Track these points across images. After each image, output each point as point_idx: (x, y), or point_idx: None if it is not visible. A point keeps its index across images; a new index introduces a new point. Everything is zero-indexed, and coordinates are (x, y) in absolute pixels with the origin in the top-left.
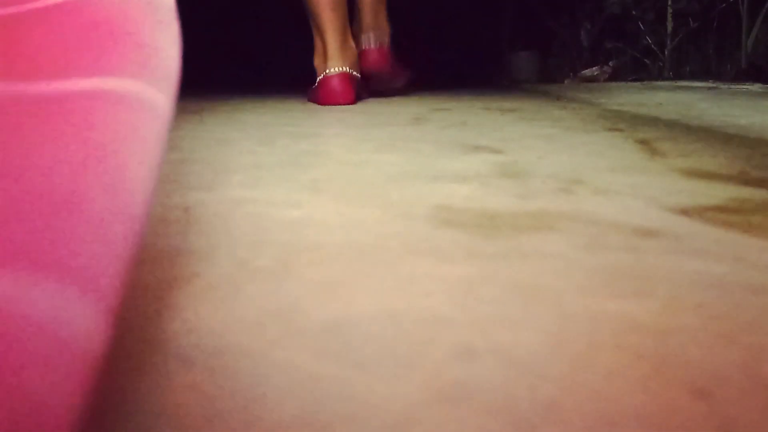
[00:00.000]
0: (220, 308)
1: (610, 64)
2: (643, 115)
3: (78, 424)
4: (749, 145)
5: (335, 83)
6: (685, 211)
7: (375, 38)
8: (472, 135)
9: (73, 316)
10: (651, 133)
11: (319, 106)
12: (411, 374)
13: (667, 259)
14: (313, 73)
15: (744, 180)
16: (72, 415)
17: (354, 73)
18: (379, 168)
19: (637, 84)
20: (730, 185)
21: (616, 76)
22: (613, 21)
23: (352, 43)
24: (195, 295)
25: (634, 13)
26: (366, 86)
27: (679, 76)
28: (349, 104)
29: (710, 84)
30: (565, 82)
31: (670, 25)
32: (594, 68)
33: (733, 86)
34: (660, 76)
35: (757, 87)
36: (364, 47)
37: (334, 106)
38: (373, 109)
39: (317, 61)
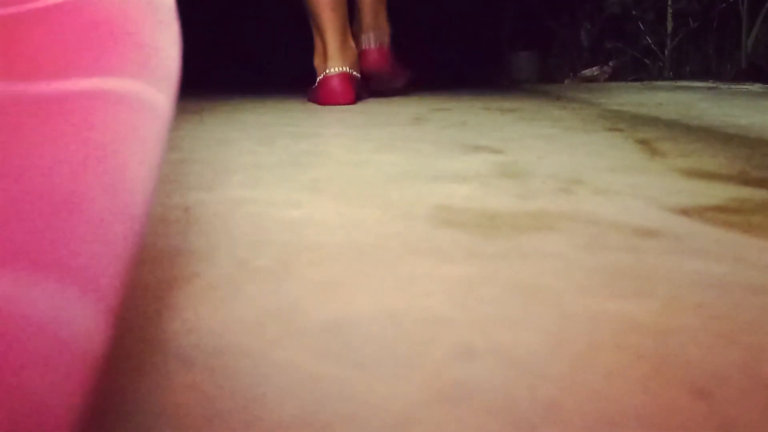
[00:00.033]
0: (220, 308)
1: (610, 64)
2: (643, 115)
3: (78, 424)
4: (749, 145)
5: (335, 83)
6: (685, 211)
7: (375, 38)
8: (472, 135)
9: (73, 316)
10: (651, 133)
11: (319, 106)
12: (411, 374)
13: (667, 259)
14: (313, 73)
15: (744, 180)
16: (72, 415)
17: (354, 73)
18: (379, 168)
19: (637, 84)
20: (730, 185)
21: (616, 76)
22: (613, 21)
23: (352, 43)
24: (195, 295)
25: (634, 13)
26: (366, 86)
27: (679, 76)
28: (349, 104)
29: (710, 84)
30: (565, 82)
31: (670, 25)
32: (594, 68)
33: (733, 86)
34: (660, 76)
35: (757, 87)
36: (364, 47)
37: (334, 106)
38: (373, 109)
39: (317, 61)
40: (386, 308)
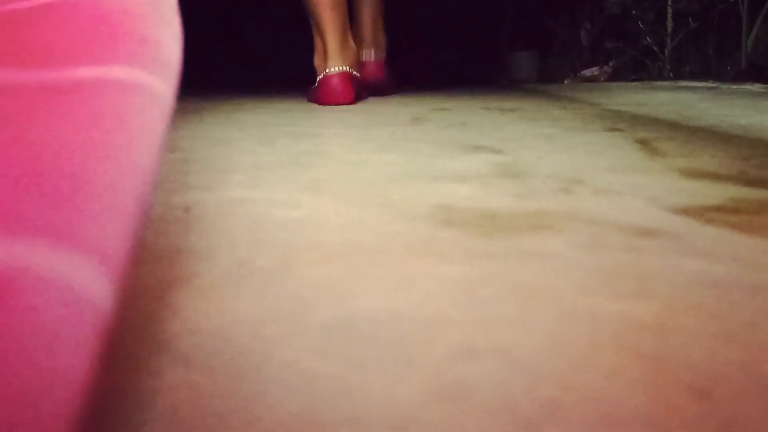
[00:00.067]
0: (220, 308)
1: (610, 64)
2: (643, 115)
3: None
4: (749, 145)
5: (335, 83)
6: (685, 211)
7: (374, 53)
8: (472, 135)
9: (86, 279)
10: (651, 133)
11: (319, 105)
12: (411, 374)
13: (667, 259)
14: (313, 73)
15: (744, 180)
16: (85, 372)
17: (354, 72)
18: (379, 168)
19: (637, 84)
20: (730, 185)
21: (616, 76)
22: (613, 21)
23: (352, 43)
24: (195, 295)
25: (634, 13)
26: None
27: (679, 76)
28: (349, 104)
29: (710, 84)
30: (565, 82)
31: (670, 25)
32: (594, 68)
33: (733, 86)
34: (660, 76)
35: (757, 87)
36: (363, 60)
37: (334, 106)
38: (373, 109)
39: (317, 61)
40: (386, 308)
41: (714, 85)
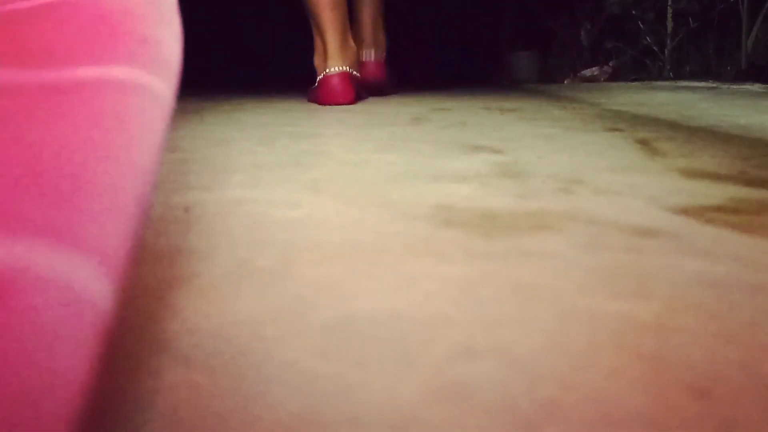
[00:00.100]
0: (220, 308)
1: (610, 64)
2: (643, 115)
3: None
4: (749, 145)
5: (335, 82)
6: (685, 211)
7: (374, 53)
8: (472, 135)
9: (86, 279)
10: (651, 133)
11: (319, 105)
12: (411, 374)
13: (667, 259)
14: (314, 73)
15: (744, 180)
16: (86, 370)
17: (354, 72)
18: (379, 168)
19: (637, 84)
20: (730, 185)
21: (616, 76)
22: (613, 21)
23: (352, 43)
24: (195, 295)
25: (634, 13)
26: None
27: (679, 76)
28: (349, 104)
29: (710, 84)
30: (565, 82)
31: (670, 25)
32: (594, 68)
33: (733, 86)
34: (660, 76)
35: (757, 87)
36: (363, 60)
37: (334, 106)
38: (373, 109)
39: (317, 61)
40: (386, 308)
41: (714, 85)
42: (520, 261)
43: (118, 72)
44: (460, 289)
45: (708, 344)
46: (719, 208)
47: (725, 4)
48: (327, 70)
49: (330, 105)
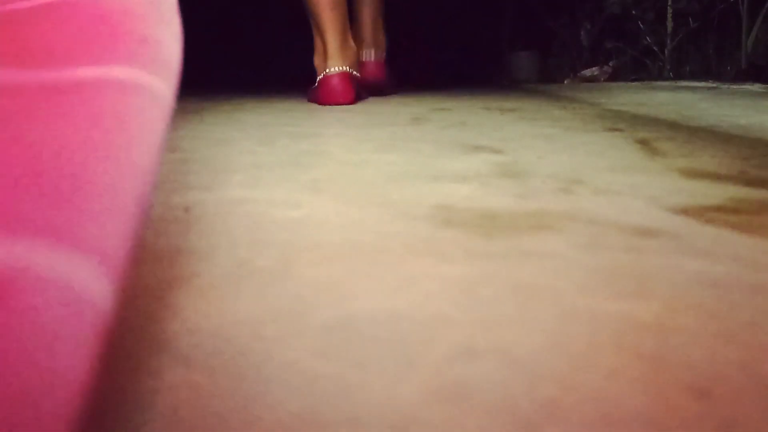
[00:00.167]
0: (220, 308)
1: (610, 64)
2: (643, 115)
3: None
4: (749, 145)
5: (335, 82)
6: (685, 211)
7: (374, 53)
8: (472, 135)
9: (86, 279)
10: (651, 133)
11: (319, 105)
12: (411, 374)
13: (667, 259)
14: (314, 73)
15: (744, 180)
16: (85, 369)
17: (354, 72)
18: (379, 168)
19: (637, 84)
20: (730, 185)
21: (616, 76)
22: (613, 21)
23: (352, 43)
24: (195, 295)
25: (634, 13)
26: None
27: (679, 76)
28: (349, 104)
29: (710, 84)
30: (565, 82)
31: (670, 25)
32: (594, 68)
33: (733, 86)
34: (660, 76)
35: (757, 87)
36: (363, 59)
37: (334, 106)
38: (373, 109)
39: (317, 61)
40: (386, 308)
41: (714, 85)
42: (520, 261)
43: (118, 72)
44: (460, 289)
45: (708, 344)
46: (719, 208)
47: (725, 4)
48: (327, 70)
49: (330, 105)
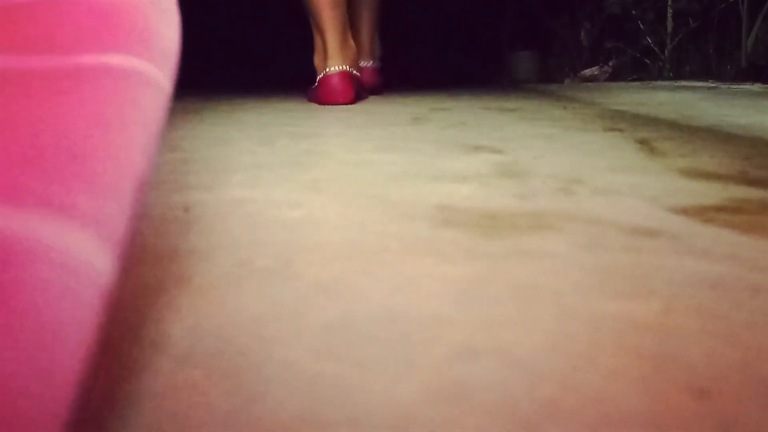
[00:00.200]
0: (220, 308)
1: (610, 64)
2: (643, 115)
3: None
4: (749, 145)
5: (335, 82)
6: (685, 211)
7: (371, 61)
8: (472, 135)
9: (86, 248)
10: (651, 133)
11: (319, 105)
12: (411, 374)
13: (667, 259)
14: (314, 73)
15: (744, 180)
16: (87, 341)
17: (354, 72)
18: (379, 168)
19: (637, 84)
20: (730, 185)
21: (616, 76)
22: (613, 21)
23: (352, 42)
24: (195, 295)
25: (634, 13)
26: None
27: (679, 75)
28: (349, 103)
29: (710, 84)
30: (565, 82)
31: (670, 25)
32: (594, 68)
33: (733, 86)
34: (660, 76)
35: (757, 87)
36: (360, 65)
37: (334, 106)
38: (373, 108)
39: (317, 60)
40: (386, 308)
41: (714, 85)
42: (520, 261)
43: (117, 59)
44: (460, 289)
45: (708, 344)
46: (719, 208)
47: (725, 4)
48: (327, 70)
49: (330, 104)
